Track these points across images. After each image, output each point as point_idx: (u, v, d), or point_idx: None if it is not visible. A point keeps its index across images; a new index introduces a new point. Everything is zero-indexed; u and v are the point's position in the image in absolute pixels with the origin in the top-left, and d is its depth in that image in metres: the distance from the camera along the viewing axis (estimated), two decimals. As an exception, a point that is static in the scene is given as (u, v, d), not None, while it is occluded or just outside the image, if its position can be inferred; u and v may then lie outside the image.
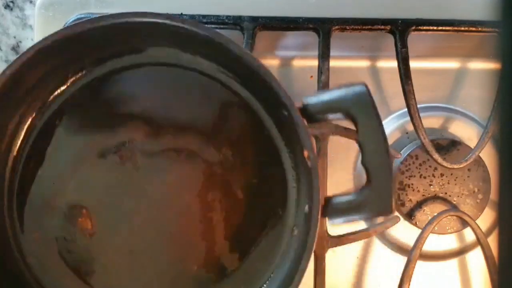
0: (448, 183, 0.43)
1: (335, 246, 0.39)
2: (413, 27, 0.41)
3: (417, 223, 0.43)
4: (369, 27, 0.41)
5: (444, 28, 0.42)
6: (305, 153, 0.31)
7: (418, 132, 0.40)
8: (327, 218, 0.35)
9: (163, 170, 0.37)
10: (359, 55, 0.46)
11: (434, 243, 0.44)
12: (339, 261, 0.45)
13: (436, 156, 0.41)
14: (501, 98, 0.18)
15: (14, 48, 0.53)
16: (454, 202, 0.43)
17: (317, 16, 0.41)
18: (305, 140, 0.31)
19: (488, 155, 0.42)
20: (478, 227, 0.42)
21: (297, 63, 0.47)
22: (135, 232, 0.37)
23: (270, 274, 0.36)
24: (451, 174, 0.43)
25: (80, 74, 0.38)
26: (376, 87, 0.46)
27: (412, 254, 0.40)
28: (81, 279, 0.37)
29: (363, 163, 0.32)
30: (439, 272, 0.45)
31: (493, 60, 0.45)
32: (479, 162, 0.43)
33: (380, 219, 0.41)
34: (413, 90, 0.40)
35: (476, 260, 0.44)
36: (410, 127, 0.42)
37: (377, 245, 0.45)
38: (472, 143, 0.43)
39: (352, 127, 0.33)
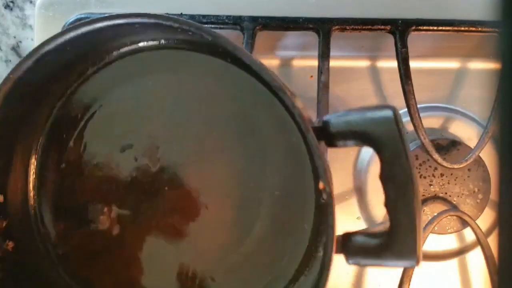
0: (448, 183, 0.43)
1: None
2: (413, 27, 0.41)
3: (417, 223, 0.43)
4: (369, 27, 0.41)
5: (444, 28, 0.41)
6: (320, 185, 0.27)
7: (418, 132, 0.40)
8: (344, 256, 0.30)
9: (184, 172, 0.36)
10: (359, 55, 0.46)
11: (434, 243, 0.44)
12: (339, 261, 0.45)
13: (436, 156, 0.41)
14: (501, 98, 0.18)
15: (14, 48, 0.53)
16: (454, 202, 0.43)
17: (317, 16, 0.41)
18: (320, 169, 0.27)
19: (488, 155, 0.42)
20: (478, 227, 0.42)
21: (297, 63, 0.47)
22: (157, 237, 0.36)
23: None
24: (451, 174, 0.43)
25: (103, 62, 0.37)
26: (376, 87, 0.46)
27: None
28: (102, 276, 0.36)
29: (385, 205, 0.28)
30: (439, 272, 0.45)
31: (493, 60, 0.45)
32: (479, 162, 0.43)
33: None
34: (413, 90, 0.40)
35: (476, 260, 0.44)
36: (410, 127, 0.42)
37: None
38: (472, 143, 0.43)
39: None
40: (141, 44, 0.36)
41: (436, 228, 0.41)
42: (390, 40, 0.42)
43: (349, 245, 0.29)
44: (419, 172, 0.43)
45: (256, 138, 0.35)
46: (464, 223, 0.43)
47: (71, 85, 0.37)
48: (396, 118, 0.27)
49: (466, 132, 0.45)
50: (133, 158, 0.37)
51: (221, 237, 0.36)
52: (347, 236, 0.30)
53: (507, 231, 0.19)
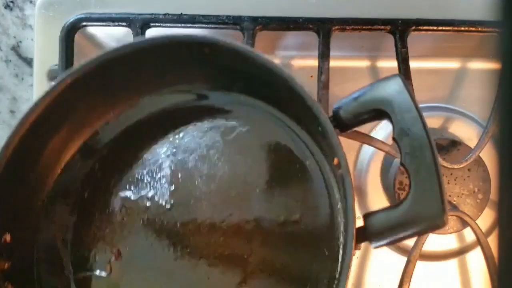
0: (448, 183, 0.43)
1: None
2: (413, 27, 0.41)
3: (417, 223, 0.43)
4: (369, 27, 0.41)
5: (444, 28, 0.41)
6: (335, 161, 0.28)
7: (418, 132, 0.40)
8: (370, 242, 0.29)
9: (198, 213, 0.35)
10: (359, 55, 0.46)
11: (434, 243, 0.44)
12: (339, 261, 0.45)
13: (436, 156, 0.41)
14: (501, 98, 0.18)
15: (14, 48, 0.53)
16: (454, 202, 0.43)
17: (317, 16, 0.41)
18: (335, 146, 0.28)
19: (488, 155, 0.42)
20: (478, 227, 0.41)
21: (297, 63, 0.47)
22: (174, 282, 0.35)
23: None
24: (451, 174, 0.43)
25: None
26: (376, 87, 0.46)
27: (412, 254, 0.40)
28: None
29: (401, 162, 0.27)
30: (439, 272, 0.45)
31: (493, 60, 0.45)
32: (479, 162, 0.43)
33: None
34: (413, 90, 0.40)
35: (476, 260, 0.44)
36: (410, 127, 0.42)
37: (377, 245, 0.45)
38: (472, 143, 0.43)
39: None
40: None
41: (436, 228, 0.41)
42: (390, 40, 0.42)
43: (373, 227, 0.28)
44: (419, 172, 0.43)
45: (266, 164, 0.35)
46: (464, 223, 0.43)
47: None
48: (403, 81, 0.28)
49: (466, 132, 0.45)
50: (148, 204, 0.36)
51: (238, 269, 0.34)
52: (367, 218, 0.29)
53: (507, 231, 0.19)
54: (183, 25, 0.42)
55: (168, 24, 0.42)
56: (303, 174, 0.34)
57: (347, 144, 0.43)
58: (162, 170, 0.36)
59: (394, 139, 0.28)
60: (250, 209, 0.34)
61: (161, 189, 0.36)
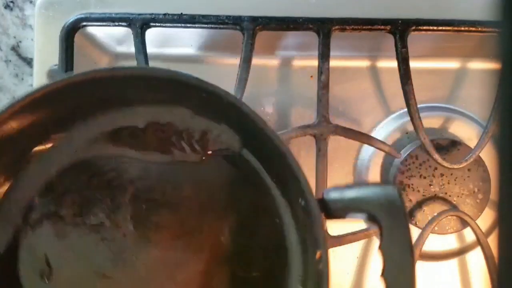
0: (448, 183, 0.43)
1: (335, 246, 0.39)
2: (413, 27, 0.41)
3: (417, 223, 0.43)
4: (369, 27, 0.41)
5: (444, 28, 0.41)
6: (318, 254, 0.28)
7: (418, 132, 0.40)
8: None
9: (154, 243, 0.34)
10: (359, 55, 0.46)
11: (434, 243, 0.44)
12: (339, 261, 0.45)
13: (436, 156, 0.41)
14: (501, 98, 0.18)
15: (14, 48, 0.53)
16: (454, 202, 0.43)
17: (317, 16, 0.41)
18: (320, 240, 0.28)
19: (488, 155, 0.42)
20: (478, 227, 0.42)
21: (297, 63, 0.47)
22: None
23: None
24: (451, 174, 0.43)
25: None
26: (376, 87, 0.46)
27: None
28: None
29: (383, 277, 0.30)
30: (439, 272, 0.45)
31: (493, 60, 0.45)
32: (479, 162, 0.43)
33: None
34: (413, 90, 0.40)
35: (476, 260, 0.44)
36: (410, 127, 0.42)
37: (377, 245, 0.45)
38: (472, 143, 0.43)
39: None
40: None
41: (436, 228, 0.41)
42: (390, 40, 0.42)
43: None
44: (419, 172, 0.43)
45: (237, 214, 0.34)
46: (464, 223, 0.43)
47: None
48: (401, 198, 0.28)
49: (466, 132, 0.45)
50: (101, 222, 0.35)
51: None
52: None
53: (507, 231, 0.19)
54: (183, 25, 0.42)
55: (168, 24, 0.42)
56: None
57: (347, 144, 0.43)
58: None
59: (380, 251, 0.29)
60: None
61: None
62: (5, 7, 0.52)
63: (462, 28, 0.41)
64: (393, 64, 0.41)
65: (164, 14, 0.41)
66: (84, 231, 0.34)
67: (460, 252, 0.45)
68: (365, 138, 0.41)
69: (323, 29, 0.41)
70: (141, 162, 0.35)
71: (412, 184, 0.43)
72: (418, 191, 0.43)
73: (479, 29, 0.41)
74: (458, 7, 0.42)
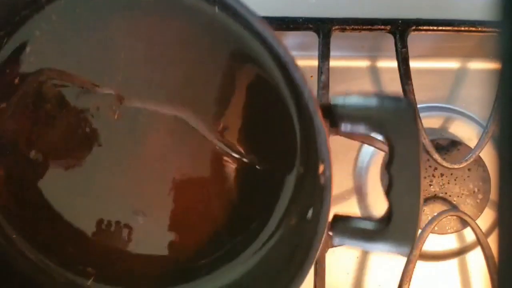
0: (448, 183, 0.43)
1: (335, 246, 0.39)
2: (413, 27, 0.41)
3: (417, 223, 0.43)
4: (369, 27, 0.41)
5: (444, 28, 0.41)
6: (321, 168, 0.26)
7: (418, 132, 0.40)
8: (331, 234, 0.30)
9: (161, 131, 0.34)
10: (359, 55, 0.46)
11: (434, 243, 0.44)
12: (339, 261, 0.45)
13: (436, 156, 0.41)
14: (501, 98, 0.18)
15: (14, 48, 0.53)
16: (454, 202, 0.43)
17: (317, 16, 0.41)
18: (324, 153, 0.26)
19: (488, 155, 0.42)
20: (478, 227, 0.42)
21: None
22: (124, 190, 0.35)
23: (253, 255, 0.34)
24: (451, 174, 0.43)
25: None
26: (376, 87, 0.46)
27: (412, 254, 0.40)
28: (44, 228, 0.35)
29: (388, 197, 0.27)
30: (439, 272, 0.45)
31: (493, 60, 0.45)
32: (479, 162, 0.43)
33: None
34: (413, 90, 0.40)
35: (476, 260, 0.44)
36: (410, 127, 0.42)
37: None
38: (472, 143, 0.43)
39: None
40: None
41: (436, 228, 0.41)
42: (390, 40, 0.42)
43: (340, 226, 0.29)
44: (419, 172, 0.43)
45: (238, 99, 0.33)
46: (464, 223, 0.43)
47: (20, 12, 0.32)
48: (415, 113, 0.26)
49: (466, 132, 0.45)
50: (92, 104, 0.34)
51: (196, 194, 0.35)
52: (338, 218, 0.29)
53: (507, 231, 0.19)
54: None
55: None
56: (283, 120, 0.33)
57: (347, 144, 0.43)
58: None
59: (388, 170, 0.27)
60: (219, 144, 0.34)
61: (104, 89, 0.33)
62: (5, 7, 0.52)
63: (462, 28, 0.41)
64: (393, 64, 0.41)
65: (164, 14, 0.41)
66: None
67: (460, 252, 0.45)
68: (365, 138, 0.41)
69: (323, 29, 0.41)
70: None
71: (412, 184, 0.43)
72: (418, 191, 0.43)
73: (479, 29, 0.41)
74: (458, 7, 0.42)
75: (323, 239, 0.27)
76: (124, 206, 0.35)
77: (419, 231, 0.41)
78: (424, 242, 0.40)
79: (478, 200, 0.43)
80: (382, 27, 0.41)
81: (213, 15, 0.32)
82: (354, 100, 0.27)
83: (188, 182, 0.35)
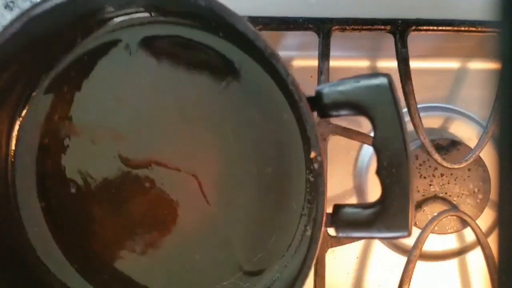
0: (448, 183, 0.43)
1: (335, 246, 0.39)
2: (413, 27, 0.41)
3: (417, 223, 0.43)
4: (369, 27, 0.41)
5: (444, 28, 0.42)
6: (312, 154, 0.27)
7: (418, 132, 0.40)
8: (334, 229, 0.31)
9: (174, 150, 0.35)
10: (359, 55, 0.46)
11: (434, 243, 0.44)
12: (339, 261, 0.45)
13: (436, 156, 0.41)
14: (501, 98, 0.18)
15: (14, 48, 0.53)
16: (454, 202, 0.43)
17: (317, 16, 0.41)
18: (312, 139, 0.27)
19: (488, 155, 0.42)
20: (478, 227, 0.42)
21: (297, 63, 0.47)
22: (140, 212, 0.36)
23: (275, 274, 0.34)
24: (451, 174, 0.43)
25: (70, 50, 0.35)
26: (376, 87, 0.46)
27: (412, 254, 0.40)
28: (80, 253, 0.36)
29: (377, 173, 0.28)
30: (439, 272, 0.45)
31: (493, 60, 0.45)
32: (479, 162, 0.43)
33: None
34: (413, 90, 0.40)
35: (476, 260, 0.44)
36: (410, 127, 0.42)
37: (377, 245, 0.45)
38: (472, 143, 0.43)
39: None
40: (132, 16, 0.34)
41: (436, 228, 0.41)
42: (390, 40, 0.42)
43: (339, 218, 0.29)
44: (419, 172, 0.43)
45: (246, 116, 0.34)
46: (464, 223, 0.43)
47: (58, 56, 0.35)
48: (391, 86, 0.27)
49: (466, 132, 0.45)
50: (113, 138, 0.36)
51: (208, 213, 0.35)
52: (337, 208, 0.30)
53: (507, 231, 0.19)
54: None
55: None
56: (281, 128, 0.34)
57: (347, 144, 0.43)
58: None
59: (374, 145, 0.28)
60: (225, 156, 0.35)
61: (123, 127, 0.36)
62: (5, 7, 0.52)
63: (462, 28, 0.41)
64: (393, 64, 0.41)
65: (164, 14, 0.41)
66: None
67: (460, 252, 0.45)
68: (365, 138, 0.41)
69: (323, 29, 0.41)
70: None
71: (412, 184, 0.43)
72: (418, 191, 0.43)
73: (479, 29, 0.41)
74: (458, 7, 0.42)
75: (323, 227, 0.27)
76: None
77: (420, 231, 0.41)
78: (424, 242, 0.40)
79: (478, 200, 0.43)
80: (382, 27, 0.41)
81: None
82: (335, 87, 0.28)
83: (201, 200, 0.35)
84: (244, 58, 0.34)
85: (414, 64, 0.41)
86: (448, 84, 0.46)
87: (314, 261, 0.28)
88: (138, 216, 0.36)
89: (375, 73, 0.28)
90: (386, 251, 0.45)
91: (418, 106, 0.41)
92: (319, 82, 0.40)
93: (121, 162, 0.36)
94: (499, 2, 0.18)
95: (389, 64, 0.44)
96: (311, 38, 0.42)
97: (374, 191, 0.44)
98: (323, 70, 0.40)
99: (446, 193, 0.43)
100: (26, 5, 0.52)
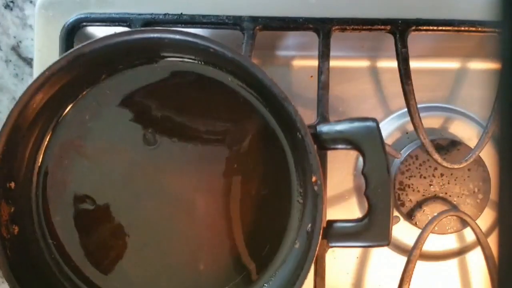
0: (448, 183, 0.43)
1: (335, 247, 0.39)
2: (413, 27, 0.41)
3: (417, 223, 0.43)
4: (369, 27, 0.41)
5: (444, 28, 0.41)
6: (313, 179, 0.33)
7: (418, 132, 0.40)
8: (326, 240, 0.36)
9: (181, 170, 0.39)
10: (359, 55, 0.46)
11: (434, 243, 0.44)
12: (339, 261, 0.45)
13: (436, 156, 0.41)
14: (501, 98, 0.18)
15: (14, 48, 0.53)
16: (454, 202, 0.43)
17: (317, 16, 0.41)
18: (314, 166, 0.33)
19: (488, 155, 0.42)
20: (478, 227, 0.42)
21: (297, 63, 0.47)
22: (149, 226, 0.39)
23: (268, 280, 0.37)
24: (451, 174, 0.43)
25: (94, 85, 0.39)
26: (376, 87, 0.46)
27: (412, 254, 0.40)
28: (93, 265, 0.39)
29: (366, 194, 0.35)
30: (439, 272, 0.45)
31: (493, 60, 0.45)
32: (479, 162, 0.43)
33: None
34: (413, 90, 0.40)
35: (476, 260, 0.44)
36: (410, 127, 0.42)
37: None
38: (472, 143, 0.43)
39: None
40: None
41: (436, 228, 0.41)
42: (390, 40, 0.42)
43: (332, 231, 0.36)
44: (419, 172, 0.43)
45: (247, 146, 0.39)
46: (464, 223, 0.43)
47: (84, 89, 0.39)
48: (378, 128, 0.35)
49: (466, 132, 0.45)
50: (135, 148, 0.39)
51: (206, 227, 0.39)
52: (329, 224, 0.36)
53: (507, 231, 0.19)
54: (183, 25, 0.42)
55: (168, 24, 0.42)
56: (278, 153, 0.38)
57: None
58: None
59: (363, 173, 0.35)
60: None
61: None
62: (5, 7, 0.52)
63: (462, 28, 0.41)
64: (393, 64, 0.41)
65: (164, 14, 0.42)
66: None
67: (460, 252, 0.45)
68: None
69: (323, 29, 0.41)
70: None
71: (412, 184, 0.43)
72: (418, 191, 0.43)
73: (479, 29, 0.41)
74: (458, 7, 0.42)
75: (319, 241, 0.33)
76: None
77: (420, 231, 0.41)
78: (424, 242, 0.40)
79: (478, 200, 0.43)
80: (382, 27, 0.41)
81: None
82: (333, 127, 0.36)
83: (207, 215, 0.39)
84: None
85: (414, 64, 0.41)
86: (448, 84, 0.46)
87: (311, 269, 0.34)
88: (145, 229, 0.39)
89: (365, 117, 0.35)
90: (386, 251, 0.45)
91: (418, 106, 0.41)
92: (319, 82, 0.40)
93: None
94: (499, 2, 0.18)
95: (389, 64, 0.44)
96: (311, 38, 0.42)
97: (374, 191, 0.44)
98: (323, 70, 0.40)
99: (446, 193, 0.43)
100: (26, 5, 0.52)
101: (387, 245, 0.34)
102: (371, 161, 0.34)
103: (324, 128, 0.36)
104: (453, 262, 0.45)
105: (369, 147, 0.34)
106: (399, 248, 0.44)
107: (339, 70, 0.45)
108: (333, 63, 0.41)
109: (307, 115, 0.45)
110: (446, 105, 0.46)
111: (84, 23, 0.42)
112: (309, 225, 0.35)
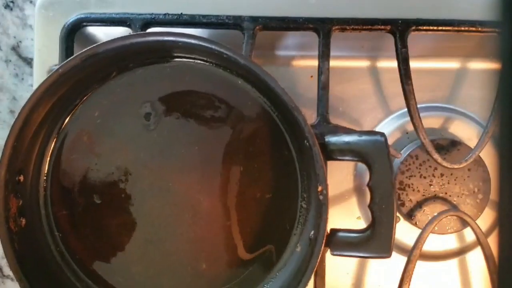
0: (448, 183, 0.43)
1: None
2: (413, 27, 0.41)
3: (417, 223, 0.43)
4: (369, 27, 0.41)
5: (444, 28, 0.41)
6: (319, 188, 0.34)
7: (418, 132, 0.40)
8: (329, 248, 0.36)
9: (187, 170, 0.39)
10: (359, 55, 0.46)
11: (434, 243, 0.44)
12: (339, 261, 0.45)
13: (436, 156, 0.41)
14: (501, 98, 0.18)
15: (14, 48, 0.53)
16: (454, 202, 0.43)
17: (317, 16, 0.41)
18: (321, 176, 0.34)
19: (488, 155, 0.42)
20: (478, 227, 0.42)
21: (297, 63, 0.47)
22: (154, 224, 0.39)
23: (268, 282, 0.38)
24: (451, 174, 0.43)
25: (105, 81, 0.39)
26: (376, 87, 0.46)
27: (412, 254, 0.40)
28: (97, 259, 0.39)
29: (370, 207, 0.35)
30: (439, 272, 0.45)
31: (493, 60, 0.45)
32: (479, 162, 0.43)
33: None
34: (413, 90, 0.40)
35: (476, 260, 0.44)
36: (410, 127, 0.42)
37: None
38: (472, 143, 0.43)
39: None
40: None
41: (436, 228, 0.41)
42: (390, 40, 0.42)
43: (335, 240, 0.36)
44: (419, 172, 0.43)
45: (254, 152, 0.39)
46: (464, 223, 0.43)
47: (94, 86, 0.39)
48: (386, 142, 0.35)
49: (466, 132, 0.45)
50: (136, 154, 0.39)
51: (209, 227, 0.39)
52: (333, 232, 0.36)
53: (507, 231, 0.19)
54: (183, 25, 0.42)
55: (168, 25, 0.42)
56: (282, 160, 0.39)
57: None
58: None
59: (369, 186, 0.35)
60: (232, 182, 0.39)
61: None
62: (5, 7, 0.52)
63: (462, 28, 0.41)
64: (393, 64, 0.41)
65: (164, 14, 0.42)
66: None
67: (460, 252, 0.45)
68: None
69: (323, 29, 0.41)
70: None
71: (412, 184, 0.43)
72: (418, 191, 0.43)
73: (479, 29, 0.41)
74: (458, 7, 0.42)
75: (322, 249, 0.34)
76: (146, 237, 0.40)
77: (420, 231, 0.41)
78: (424, 242, 0.40)
79: (478, 200, 0.43)
80: (382, 27, 0.41)
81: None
82: (341, 138, 0.36)
83: (211, 216, 0.39)
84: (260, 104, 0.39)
85: (414, 64, 0.41)
86: (448, 84, 0.46)
87: (313, 275, 0.34)
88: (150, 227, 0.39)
89: (374, 131, 0.36)
90: (386, 251, 0.45)
91: (418, 106, 0.41)
92: (319, 82, 0.40)
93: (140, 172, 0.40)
94: (499, 2, 0.18)
95: (389, 64, 0.44)
96: (311, 38, 0.42)
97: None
98: (323, 70, 0.40)
99: (446, 193, 0.43)
100: (26, 5, 0.52)
101: (388, 257, 0.34)
102: (377, 175, 0.34)
103: (332, 139, 0.36)
104: (453, 262, 0.45)
105: (376, 161, 0.34)
106: (399, 248, 0.44)
107: (339, 70, 0.45)
108: (333, 63, 0.41)
109: (307, 115, 0.45)
110: (446, 105, 0.46)
111: (84, 23, 0.42)
112: (312, 232, 0.35)
